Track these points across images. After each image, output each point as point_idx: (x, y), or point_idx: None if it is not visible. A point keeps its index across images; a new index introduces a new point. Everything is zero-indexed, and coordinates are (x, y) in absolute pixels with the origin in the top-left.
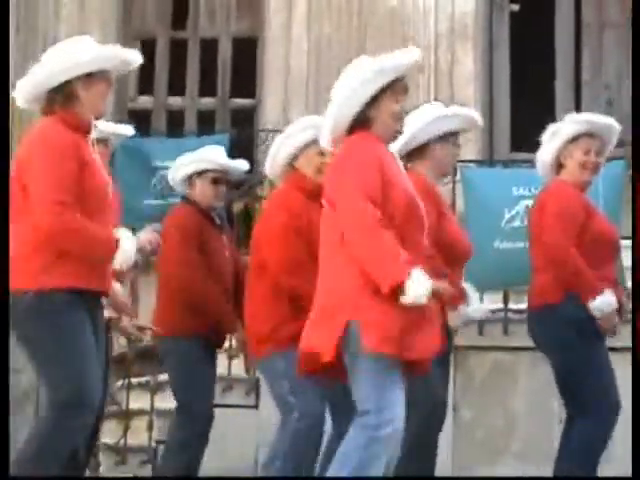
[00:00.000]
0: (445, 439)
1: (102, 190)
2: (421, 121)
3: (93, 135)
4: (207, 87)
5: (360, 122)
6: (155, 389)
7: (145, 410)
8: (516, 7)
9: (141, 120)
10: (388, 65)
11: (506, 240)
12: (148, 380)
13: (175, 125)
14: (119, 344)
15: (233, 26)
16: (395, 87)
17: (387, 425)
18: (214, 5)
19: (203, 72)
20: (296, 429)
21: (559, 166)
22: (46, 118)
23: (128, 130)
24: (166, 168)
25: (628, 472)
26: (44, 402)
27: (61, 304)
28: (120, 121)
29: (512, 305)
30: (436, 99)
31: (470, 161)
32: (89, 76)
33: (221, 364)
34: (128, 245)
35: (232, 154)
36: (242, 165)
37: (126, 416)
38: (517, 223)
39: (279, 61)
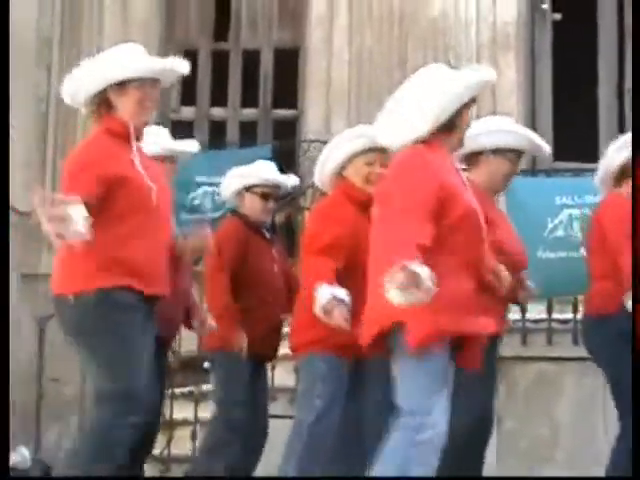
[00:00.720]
0: (489, 449)
1: (140, 195)
2: (475, 130)
3: (152, 149)
4: (249, 98)
5: (444, 128)
6: (198, 399)
7: (189, 420)
8: (558, 16)
9: (184, 131)
10: (483, 78)
11: (549, 250)
12: (192, 390)
13: (217, 136)
14: None
15: (275, 37)
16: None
17: (428, 428)
18: (256, 16)
19: (245, 83)
20: (311, 432)
21: (623, 177)
22: (95, 127)
23: (193, 147)
24: (208, 184)
25: None
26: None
27: (121, 303)
28: None
29: (556, 315)
30: (478, 110)
31: None
32: (122, 84)
33: None
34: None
35: (275, 165)
36: (291, 180)
37: (170, 426)
38: (560, 232)
39: (321, 72)
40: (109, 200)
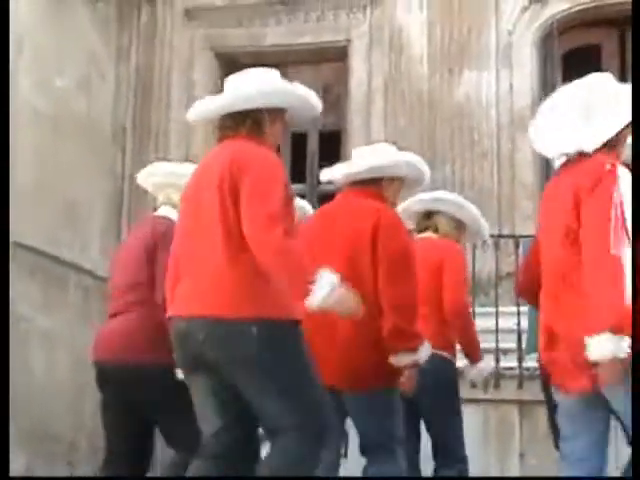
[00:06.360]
0: None
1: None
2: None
3: None
4: (298, 174)
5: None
6: None
7: None
8: None
9: None
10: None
11: None
12: None
13: None
14: None
15: (320, 122)
16: None
17: None
18: None
19: (294, 162)
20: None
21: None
22: (242, 139)
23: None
24: None
25: None
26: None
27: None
28: None
29: None
30: (499, 179)
31: (528, 236)
32: (278, 111)
33: None
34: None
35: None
36: None
37: None
38: None
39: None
40: None
